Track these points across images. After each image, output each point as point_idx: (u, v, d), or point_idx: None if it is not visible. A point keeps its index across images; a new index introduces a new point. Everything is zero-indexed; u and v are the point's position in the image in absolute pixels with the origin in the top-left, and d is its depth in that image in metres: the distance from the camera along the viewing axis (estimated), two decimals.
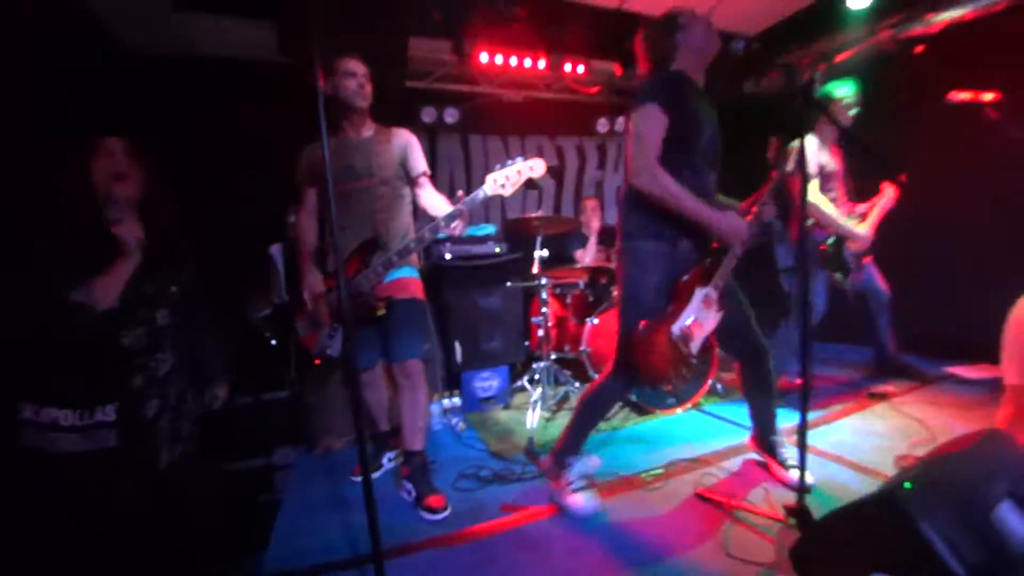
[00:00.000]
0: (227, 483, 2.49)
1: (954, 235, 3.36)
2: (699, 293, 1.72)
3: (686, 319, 1.70)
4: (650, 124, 1.60)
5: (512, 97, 4.22)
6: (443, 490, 2.04)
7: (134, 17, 2.78)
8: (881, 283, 2.93)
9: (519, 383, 3.29)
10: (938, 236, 3.39)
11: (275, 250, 2.72)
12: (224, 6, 2.85)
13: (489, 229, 3.43)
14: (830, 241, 2.77)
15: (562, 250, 3.93)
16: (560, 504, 1.89)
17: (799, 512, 1.59)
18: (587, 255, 3.92)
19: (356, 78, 1.98)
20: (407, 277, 2.07)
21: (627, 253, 1.78)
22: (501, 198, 4.18)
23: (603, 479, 2.10)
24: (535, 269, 3.07)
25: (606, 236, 4.04)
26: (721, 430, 2.60)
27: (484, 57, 3.37)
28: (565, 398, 3.06)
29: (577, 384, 3.18)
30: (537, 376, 3.13)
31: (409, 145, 2.10)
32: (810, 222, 2.66)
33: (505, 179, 1.85)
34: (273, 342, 2.23)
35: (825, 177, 2.74)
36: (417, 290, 2.10)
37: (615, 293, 2.39)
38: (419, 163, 2.11)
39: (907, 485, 1.18)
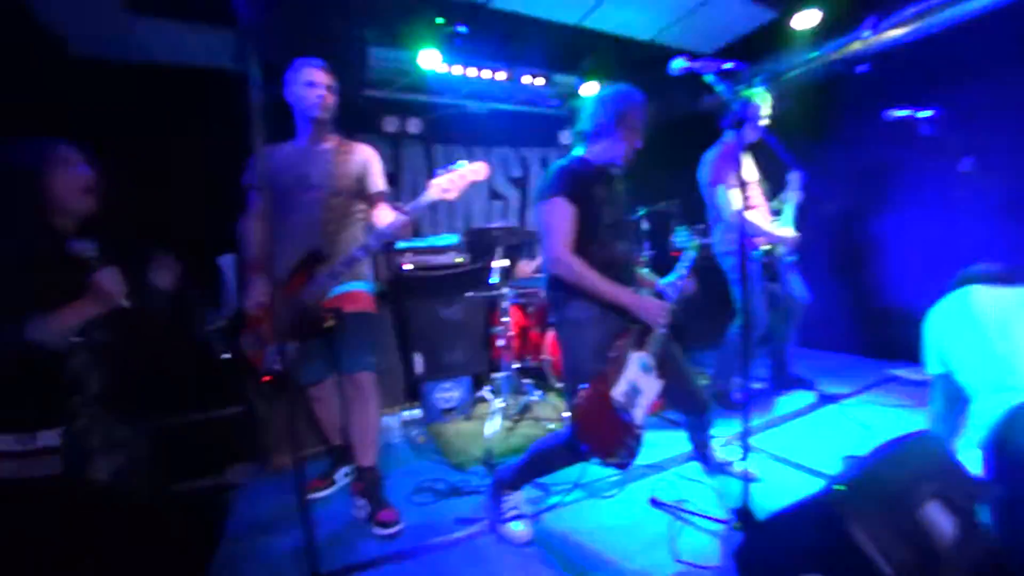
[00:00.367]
0: (174, 503, 2.37)
1: (899, 234, 3.51)
2: (634, 357, 1.71)
3: (624, 383, 1.66)
4: (558, 216, 1.70)
5: (475, 109, 4.24)
6: (397, 505, 2.00)
7: (82, 19, 2.67)
8: (801, 286, 2.93)
9: (480, 393, 3.27)
10: (880, 236, 3.53)
11: (225, 261, 2.63)
12: (180, 12, 2.77)
13: (451, 239, 3.41)
14: (759, 253, 2.78)
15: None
16: (494, 528, 1.90)
17: (743, 515, 1.63)
18: (531, 265, 3.85)
19: (316, 88, 1.95)
20: (357, 290, 2.03)
21: (560, 326, 1.82)
22: (457, 207, 4.19)
23: (558, 488, 2.10)
24: (495, 279, 3.07)
25: None
26: (679, 436, 2.62)
27: (443, 69, 3.38)
28: (527, 408, 3.05)
29: (538, 393, 3.18)
30: (498, 386, 3.12)
31: (369, 162, 2.08)
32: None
33: (449, 183, 1.85)
34: (225, 356, 2.15)
35: (743, 186, 2.81)
36: (367, 303, 2.07)
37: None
38: (377, 182, 2.09)
39: (839, 487, 1.22)
